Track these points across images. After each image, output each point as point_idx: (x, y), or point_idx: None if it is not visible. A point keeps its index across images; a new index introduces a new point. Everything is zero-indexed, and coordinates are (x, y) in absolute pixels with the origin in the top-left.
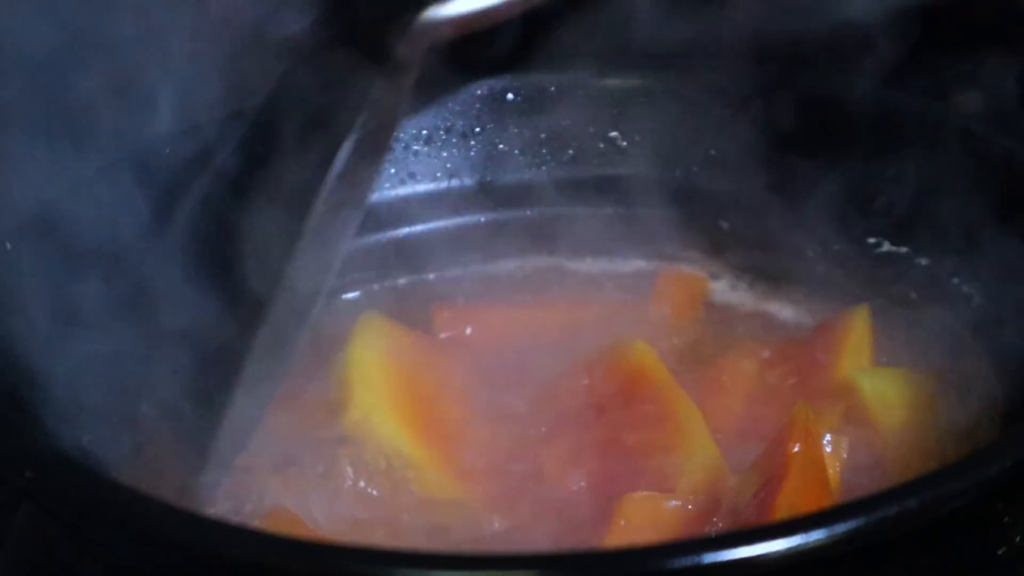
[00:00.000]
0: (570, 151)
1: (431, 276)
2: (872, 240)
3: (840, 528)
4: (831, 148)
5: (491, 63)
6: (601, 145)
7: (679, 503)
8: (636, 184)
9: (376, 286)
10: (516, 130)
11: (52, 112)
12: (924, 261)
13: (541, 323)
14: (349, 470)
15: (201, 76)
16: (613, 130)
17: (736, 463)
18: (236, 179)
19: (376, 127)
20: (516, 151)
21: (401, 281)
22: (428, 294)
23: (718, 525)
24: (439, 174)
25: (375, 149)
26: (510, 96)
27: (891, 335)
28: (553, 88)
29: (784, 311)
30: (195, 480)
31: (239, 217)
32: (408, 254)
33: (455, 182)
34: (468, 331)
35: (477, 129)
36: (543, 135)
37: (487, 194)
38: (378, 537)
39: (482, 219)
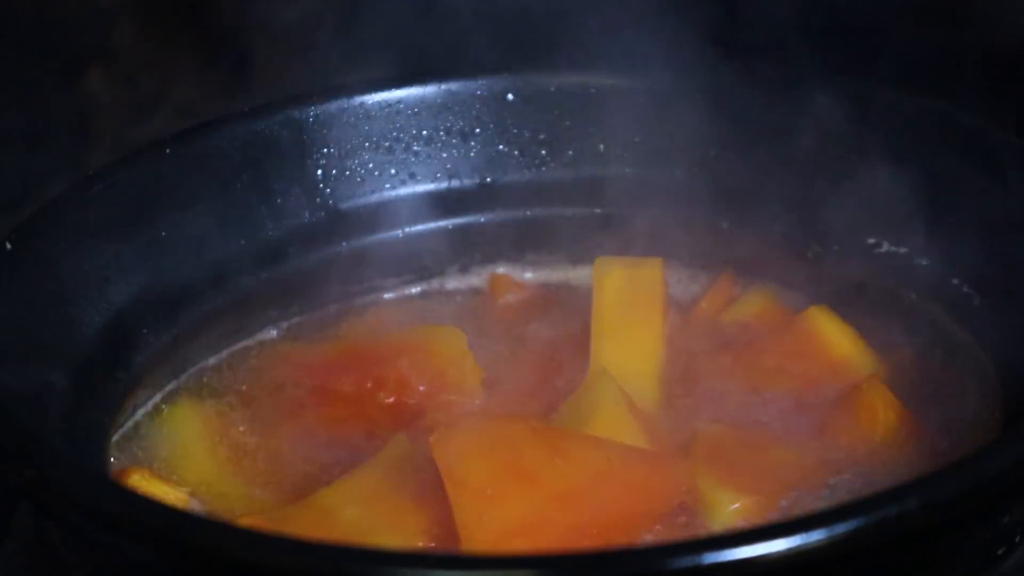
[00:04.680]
0: (570, 151)
1: (433, 277)
2: (872, 240)
3: (840, 528)
4: (831, 147)
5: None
6: (601, 146)
7: None
8: (636, 184)
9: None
10: (516, 130)
11: None
12: (924, 261)
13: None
14: None
15: None
16: (613, 130)
17: None
18: None
19: None
20: (516, 151)
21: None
22: (432, 294)
23: None
24: (439, 174)
25: None
26: (510, 96)
27: (891, 335)
28: (553, 88)
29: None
30: None
31: None
32: (409, 254)
33: (455, 182)
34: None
35: (477, 129)
36: (543, 135)
37: (487, 194)
38: None
39: (482, 219)
